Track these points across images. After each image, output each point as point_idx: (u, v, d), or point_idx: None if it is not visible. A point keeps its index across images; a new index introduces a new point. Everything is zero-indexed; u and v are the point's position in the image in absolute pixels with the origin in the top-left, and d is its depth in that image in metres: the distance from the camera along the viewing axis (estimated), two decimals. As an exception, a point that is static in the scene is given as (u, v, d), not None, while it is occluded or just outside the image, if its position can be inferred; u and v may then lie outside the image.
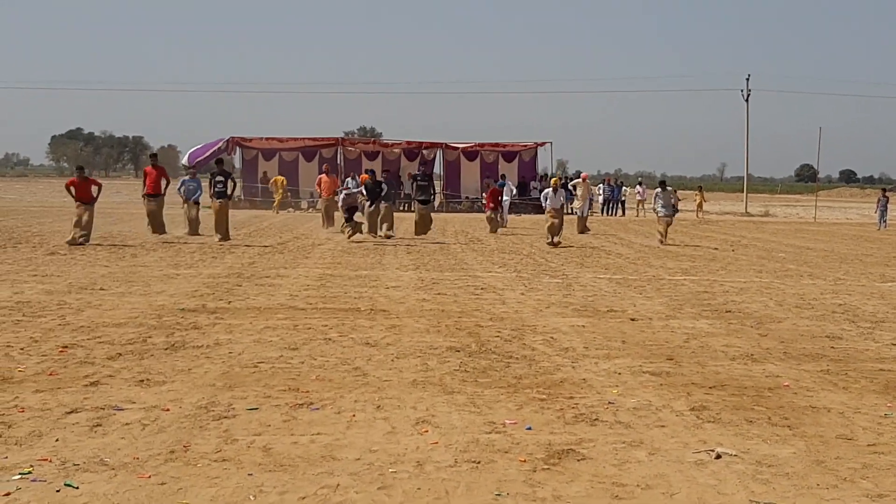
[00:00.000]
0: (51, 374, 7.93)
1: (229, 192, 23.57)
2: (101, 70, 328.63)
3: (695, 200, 49.26)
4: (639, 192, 50.96)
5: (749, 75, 58.89)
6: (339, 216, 26.48)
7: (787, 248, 26.64)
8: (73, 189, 21.86)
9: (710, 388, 7.98)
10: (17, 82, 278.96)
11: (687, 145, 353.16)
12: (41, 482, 5.25)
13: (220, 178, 23.65)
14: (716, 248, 25.34)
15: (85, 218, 21.44)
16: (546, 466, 5.74)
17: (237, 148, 51.35)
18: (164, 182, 23.40)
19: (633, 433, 6.53)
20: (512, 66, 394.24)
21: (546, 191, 25.73)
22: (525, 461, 5.83)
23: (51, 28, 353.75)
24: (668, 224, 26.71)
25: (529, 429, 6.58)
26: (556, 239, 24.65)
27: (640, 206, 49.80)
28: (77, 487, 5.17)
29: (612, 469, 5.72)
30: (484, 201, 48.48)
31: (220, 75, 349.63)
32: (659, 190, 27.29)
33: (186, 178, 25.03)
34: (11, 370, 8.05)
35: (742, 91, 58.67)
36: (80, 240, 21.14)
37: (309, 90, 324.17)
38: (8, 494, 5.04)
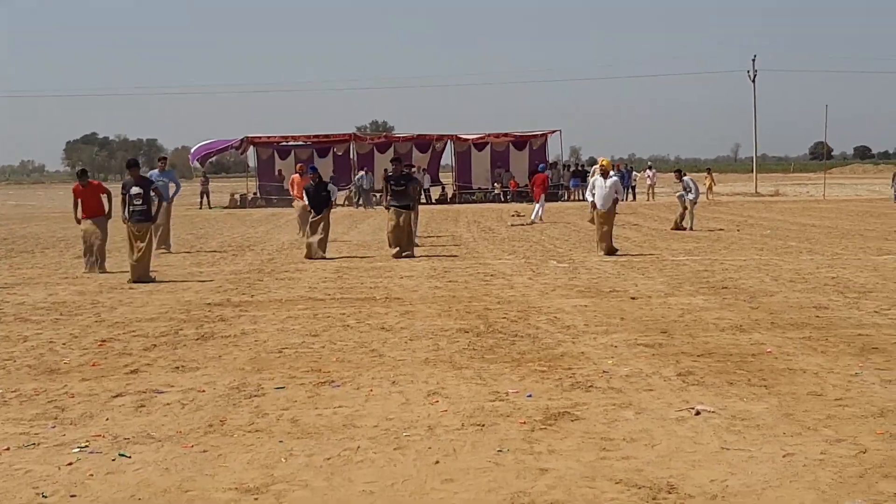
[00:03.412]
0: (93, 365, 8.68)
1: (153, 211, 16.26)
2: (114, 74, 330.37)
3: (704, 183, 49.82)
4: (649, 177, 51.48)
5: (755, 56, 59.40)
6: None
7: (792, 225, 27.24)
8: None
9: (697, 356, 8.67)
10: (30, 90, 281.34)
11: (700, 127, 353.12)
12: (98, 453, 5.99)
13: (136, 189, 15.89)
14: (721, 229, 25.96)
15: None
16: (543, 427, 6.44)
17: (252, 147, 52.25)
18: (105, 199, 17.26)
19: (624, 396, 7.23)
20: (520, 56, 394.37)
21: (593, 178, 19.77)
22: (524, 423, 6.53)
23: (60, 34, 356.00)
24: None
25: (530, 396, 7.28)
26: (610, 245, 18.95)
27: (650, 191, 50.33)
28: (129, 457, 5.91)
29: (602, 427, 6.42)
30: (505, 190, 49.56)
31: (232, 76, 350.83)
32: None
33: (155, 171, 20.55)
34: (58, 362, 8.81)
35: (749, 72, 59.13)
36: None
37: (321, 87, 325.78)
38: (70, 464, 5.78)
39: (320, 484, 5.36)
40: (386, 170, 19.55)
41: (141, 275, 15.22)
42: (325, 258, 18.65)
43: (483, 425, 6.49)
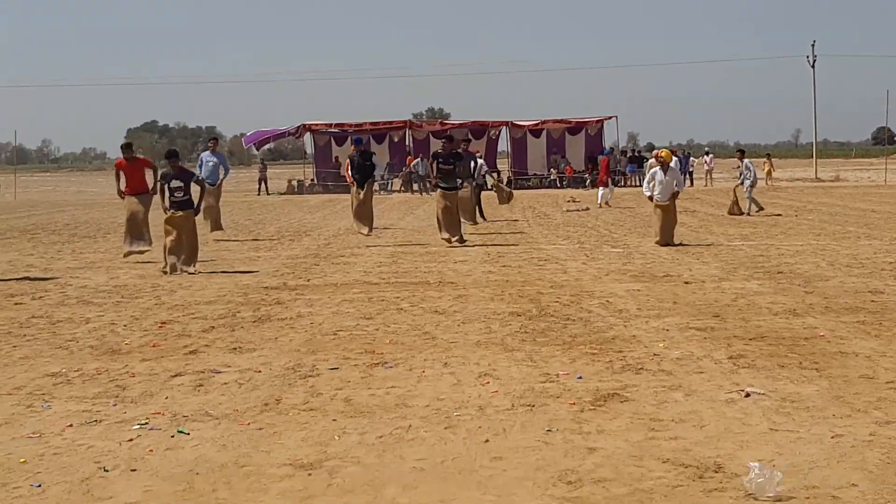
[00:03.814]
0: (153, 346, 8.89)
1: (196, 201, 15.18)
2: (174, 62, 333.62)
3: (763, 168, 49.30)
4: (706, 162, 51.10)
5: (814, 41, 58.60)
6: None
7: (851, 210, 26.94)
8: None
9: (749, 339, 8.67)
10: (91, 79, 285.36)
11: (760, 113, 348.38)
12: (157, 430, 6.17)
13: (176, 182, 14.89)
14: (779, 215, 25.73)
15: None
16: (592, 407, 6.51)
17: (308, 133, 52.66)
18: (151, 175, 16.87)
19: (674, 379, 7.27)
20: (576, 42, 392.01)
21: (652, 170, 18.14)
22: (574, 404, 6.61)
23: (120, 23, 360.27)
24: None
25: (580, 378, 7.35)
26: (666, 238, 17.45)
27: (709, 176, 49.94)
28: (188, 434, 6.08)
29: (651, 408, 6.48)
30: (561, 175, 49.60)
31: (289, 63, 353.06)
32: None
33: (206, 153, 20.73)
34: (119, 343, 9.04)
35: (808, 57, 58.40)
36: None
37: (378, 75, 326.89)
38: (131, 440, 5.96)
39: (372, 461, 5.48)
40: (437, 150, 18.97)
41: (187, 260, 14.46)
42: (371, 236, 19.27)
43: (533, 406, 6.57)
